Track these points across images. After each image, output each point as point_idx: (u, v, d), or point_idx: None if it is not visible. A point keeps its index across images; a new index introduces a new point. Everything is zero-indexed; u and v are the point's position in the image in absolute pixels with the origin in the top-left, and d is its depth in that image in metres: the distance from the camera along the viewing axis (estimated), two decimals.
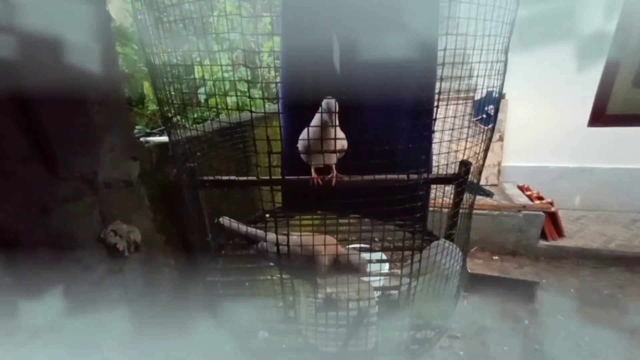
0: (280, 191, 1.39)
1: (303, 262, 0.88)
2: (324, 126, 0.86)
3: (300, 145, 0.96)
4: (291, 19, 1.23)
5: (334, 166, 0.99)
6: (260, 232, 1.00)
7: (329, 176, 0.98)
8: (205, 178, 1.00)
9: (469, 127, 0.89)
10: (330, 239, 0.90)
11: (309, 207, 1.30)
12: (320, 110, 0.86)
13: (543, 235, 2.26)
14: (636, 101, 2.53)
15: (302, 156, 0.98)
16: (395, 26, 1.02)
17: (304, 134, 0.93)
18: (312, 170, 0.99)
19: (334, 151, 0.89)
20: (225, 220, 1.02)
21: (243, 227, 1.01)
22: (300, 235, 0.90)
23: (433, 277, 0.93)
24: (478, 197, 2.32)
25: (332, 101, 0.85)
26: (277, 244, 0.87)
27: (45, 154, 0.74)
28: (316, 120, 0.89)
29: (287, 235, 0.87)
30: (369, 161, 0.80)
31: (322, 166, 0.99)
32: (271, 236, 0.94)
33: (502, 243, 2.29)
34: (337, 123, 0.88)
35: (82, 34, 0.78)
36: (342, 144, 0.95)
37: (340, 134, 0.92)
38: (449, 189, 1.06)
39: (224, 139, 1.20)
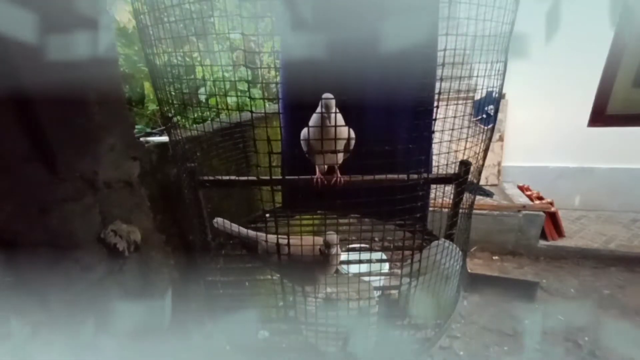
0: (281, 191, 1.39)
1: (304, 267, 0.86)
2: (324, 126, 0.85)
3: (303, 145, 0.96)
4: (291, 19, 1.23)
5: (337, 167, 0.99)
6: (259, 235, 0.95)
7: (333, 179, 0.98)
8: (205, 178, 1.00)
9: (469, 127, 0.89)
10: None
11: (309, 207, 1.30)
12: (319, 107, 0.85)
13: (543, 235, 2.26)
14: (636, 101, 2.53)
15: (307, 155, 0.97)
16: (395, 26, 1.02)
17: (304, 134, 0.92)
18: (317, 169, 0.99)
19: (340, 151, 0.88)
20: (219, 221, 0.97)
21: (238, 229, 0.96)
22: (301, 238, 0.87)
23: (433, 277, 0.92)
24: (478, 197, 2.32)
25: (331, 101, 0.84)
26: (278, 244, 0.85)
27: (45, 154, 0.74)
28: (315, 119, 0.88)
29: (288, 238, 0.84)
30: (369, 161, 0.80)
31: (326, 168, 0.99)
32: (271, 239, 0.90)
33: (502, 243, 2.29)
34: (342, 122, 0.86)
35: (82, 34, 0.78)
36: (350, 142, 0.93)
37: (347, 132, 0.92)
38: (449, 189, 1.06)
39: (224, 139, 1.19)
